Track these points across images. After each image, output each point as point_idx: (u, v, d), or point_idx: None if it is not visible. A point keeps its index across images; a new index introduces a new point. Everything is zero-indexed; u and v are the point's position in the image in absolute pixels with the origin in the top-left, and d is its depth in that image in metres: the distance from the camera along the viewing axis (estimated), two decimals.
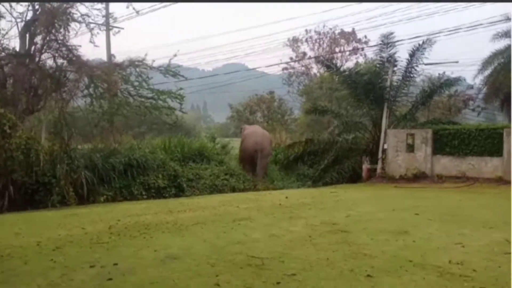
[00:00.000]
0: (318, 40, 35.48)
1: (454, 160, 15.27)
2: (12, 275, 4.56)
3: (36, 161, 11.11)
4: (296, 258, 5.02)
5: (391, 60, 17.56)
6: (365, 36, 34.54)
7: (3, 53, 14.34)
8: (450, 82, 19.18)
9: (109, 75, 13.61)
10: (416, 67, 17.95)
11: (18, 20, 14.38)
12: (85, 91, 14.18)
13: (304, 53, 36.41)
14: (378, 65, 18.73)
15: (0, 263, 5.00)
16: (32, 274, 4.55)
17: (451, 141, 15.35)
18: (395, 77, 17.81)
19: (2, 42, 15.24)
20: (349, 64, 31.64)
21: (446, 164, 15.47)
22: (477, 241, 5.92)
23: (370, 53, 34.78)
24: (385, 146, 16.71)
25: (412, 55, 17.47)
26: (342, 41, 35.26)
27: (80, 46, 14.18)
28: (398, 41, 17.55)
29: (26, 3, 14.14)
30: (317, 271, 4.57)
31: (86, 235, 6.38)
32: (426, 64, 18.06)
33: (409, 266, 4.74)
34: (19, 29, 14.26)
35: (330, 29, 34.79)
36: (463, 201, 10.51)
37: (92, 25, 14.99)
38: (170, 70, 15.01)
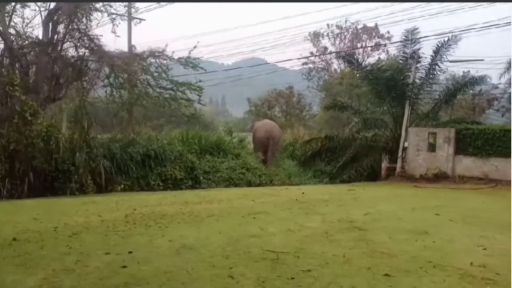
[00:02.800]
0: (339, 35, 35.03)
1: (477, 161, 14.86)
2: (28, 259, 4.59)
3: (56, 149, 11.25)
4: (312, 254, 4.93)
5: (415, 57, 17.13)
6: (388, 32, 34.00)
7: (26, 42, 14.59)
8: (475, 81, 18.64)
9: (130, 65, 13.68)
10: (440, 64, 17.49)
11: (42, 9, 14.62)
12: (105, 81, 14.29)
13: (325, 48, 36.01)
14: (401, 61, 18.33)
15: (17, 247, 5.05)
16: (48, 259, 4.57)
17: (475, 141, 14.92)
18: (418, 74, 17.39)
19: (25, 30, 15.57)
20: (371, 60, 31.08)
21: (468, 165, 15.06)
22: (500, 244, 5.71)
23: (393, 49, 34.30)
24: (406, 145, 16.37)
25: (437, 51, 17.01)
26: (364, 36, 34.71)
27: (101, 35, 14.31)
28: (424, 37, 17.11)
29: None
30: (333, 267, 4.47)
31: (102, 222, 6.41)
32: (450, 62, 17.54)
33: (429, 267, 4.58)
34: (42, 18, 14.47)
35: (352, 23, 34.32)
36: (485, 203, 10.20)
37: (113, 15, 15.10)
38: (190, 62, 15.00)
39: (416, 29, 17.06)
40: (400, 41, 17.69)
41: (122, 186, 12.30)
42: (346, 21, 34.61)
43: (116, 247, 5.04)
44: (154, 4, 19.39)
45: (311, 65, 36.50)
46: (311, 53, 35.83)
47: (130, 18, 21.07)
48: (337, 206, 8.83)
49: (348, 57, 20.36)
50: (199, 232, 5.90)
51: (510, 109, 27.50)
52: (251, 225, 6.47)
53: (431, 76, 17.63)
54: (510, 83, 25.57)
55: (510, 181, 13.73)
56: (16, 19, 15.29)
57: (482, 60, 19.09)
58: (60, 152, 11.21)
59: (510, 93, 26.00)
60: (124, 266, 4.29)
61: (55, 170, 11.21)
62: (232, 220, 6.86)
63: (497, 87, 28.31)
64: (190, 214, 7.18)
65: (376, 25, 33.21)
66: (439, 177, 15.22)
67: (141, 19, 21.05)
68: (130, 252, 4.79)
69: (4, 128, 10.69)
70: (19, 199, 9.93)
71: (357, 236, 5.92)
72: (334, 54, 34.06)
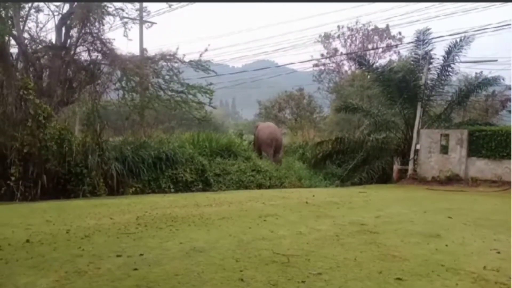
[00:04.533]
0: (350, 37, 34.87)
1: (490, 163, 14.68)
2: (41, 261, 4.64)
3: (69, 152, 11.41)
4: (323, 257, 4.90)
5: (427, 58, 17.00)
6: (400, 33, 33.76)
7: (40, 46, 14.81)
8: (488, 82, 18.41)
9: (141, 69, 13.80)
10: (452, 65, 17.31)
11: (55, 13, 14.83)
12: (117, 84, 14.43)
13: (336, 50, 35.87)
14: (412, 63, 18.18)
15: (30, 249, 5.11)
16: (61, 261, 4.62)
17: (488, 143, 14.74)
18: (430, 76, 17.23)
19: (39, 35, 15.81)
20: (382, 61, 30.90)
21: (481, 167, 14.88)
22: None
23: (405, 50, 33.97)
24: (418, 147, 16.24)
25: (449, 52, 16.87)
26: (376, 37, 34.49)
27: (114, 39, 14.47)
28: (438, 37, 16.97)
29: None
30: (344, 271, 4.44)
31: (114, 225, 6.46)
32: (463, 62, 17.38)
33: (442, 271, 4.53)
34: (56, 22, 14.69)
35: (363, 25, 34.13)
36: (499, 205, 10.05)
37: (125, 19, 15.25)
38: (201, 65, 15.07)
39: (428, 29, 16.93)
40: (413, 41, 17.52)
41: (134, 188, 12.43)
42: (357, 23, 34.49)
43: (128, 249, 5.07)
44: (165, 8, 19.54)
45: (321, 67, 36.38)
46: (322, 55, 35.72)
47: (142, 22, 21.32)
48: (348, 209, 8.78)
49: (359, 59, 20.27)
50: (210, 235, 5.91)
51: None
52: (261, 228, 6.47)
53: (443, 77, 17.47)
54: None
55: None
56: (30, 24, 15.55)
57: (496, 60, 18.81)
58: (73, 155, 11.36)
59: None
60: (136, 269, 4.32)
61: (68, 173, 11.37)
62: (242, 222, 6.86)
63: (510, 88, 27.87)
64: (200, 217, 7.21)
65: (387, 26, 33.01)
66: (451, 180, 15.06)
67: (152, 23, 21.34)
68: (141, 255, 4.81)
69: (18, 131, 10.86)
70: (33, 202, 10.08)
71: (368, 239, 5.88)
72: (345, 55, 33.90)
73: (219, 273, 4.28)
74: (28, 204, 9.01)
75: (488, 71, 39.42)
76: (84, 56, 14.79)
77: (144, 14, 20.62)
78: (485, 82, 18.39)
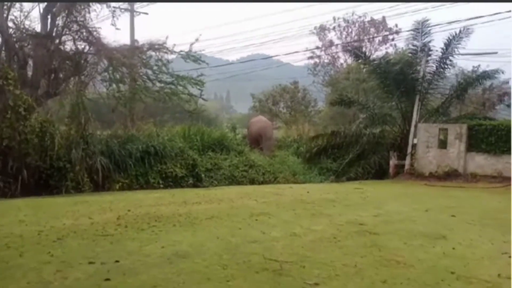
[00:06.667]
0: (346, 28, 34.24)
1: (490, 158, 14.25)
2: (3, 269, 4.13)
3: (51, 145, 10.82)
4: (320, 263, 4.42)
5: (425, 49, 16.49)
6: (396, 25, 33.13)
7: (24, 34, 14.12)
8: (487, 75, 17.90)
9: (129, 59, 13.17)
10: (451, 58, 16.83)
11: (40, 0, 14.14)
12: (104, 74, 13.79)
13: (331, 42, 35.27)
14: (410, 54, 17.68)
15: None
16: (25, 269, 4.11)
17: (488, 137, 14.30)
18: (428, 68, 16.74)
19: (24, 23, 15.11)
20: (378, 54, 30.31)
21: (481, 162, 14.46)
22: None
23: (401, 43, 33.46)
24: (415, 141, 15.77)
25: (448, 44, 16.35)
26: (372, 30, 33.90)
27: (100, 28, 13.84)
28: (436, 25, 16.33)
29: None
30: (343, 280, 3.96)
31: (92, 225, 5.93)
32: (463, 55, 16.90)
33: (452, 279, 4.07)
34: (41, 10, 14.01)
35: (360, 17, 33.51)
36: (502, 202, 9.61)
37: (113, 8, 14.62)
38: (191, 55, 14.47)
39: (427, 20, 16.39)
40: (411, 30, 16.96)
41: (120, 184, 11.86)
42: (352, 14, 33.87)
43: (103, 254, 4.56)
44: None
45: (316, 60, 35.77)
46: (317, 47, 35.09)
47: (133, 12, 20.65)
48: (345, 206, 8.31)
49: (355, 50, 19.72)
50: (195, 237, 5.41)
51: None
52: (252, 229, 5.97)
53: (442, 69, 16.99)
54: None
55: None
56: (16, 13, 14.90)
57: (496, 53, 18.33)
58: (55, 148, 10.76)
59: None
60: (108, 279, 3.81)
61: (50, 167, 10.81)
62: (232, 222, 6.36)
63: (507, 82, 27.47)
64: (187, 216, 6.69)
65: (383, 18, 32.44)
66: (450, 175, 14.64)
67: (142, 13, 20.67)
68: (117, 261, 4.31)
69: None
70: (12, 198, 9.51)
71: (368, 242, 5.41)
72: (340, 48, 33.32)
73: (203, 284, 3.80)
74: (4, 201, 8.45)
75: (486, 64, 39.00)
76: (69, 45, 14.16)
77: (136, 5, 20.03)
78: (484, 75, 17.91)
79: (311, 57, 35.56)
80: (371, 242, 5.40)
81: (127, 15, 20.39)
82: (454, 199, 9.98)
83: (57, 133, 11.15)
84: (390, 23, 33.71)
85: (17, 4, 14.93)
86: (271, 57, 36.18)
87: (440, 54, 16.57)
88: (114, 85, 13.82)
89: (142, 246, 4.93)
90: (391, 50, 32.79)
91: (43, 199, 9.07)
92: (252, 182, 14.63)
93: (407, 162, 16.03)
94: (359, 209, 7.93)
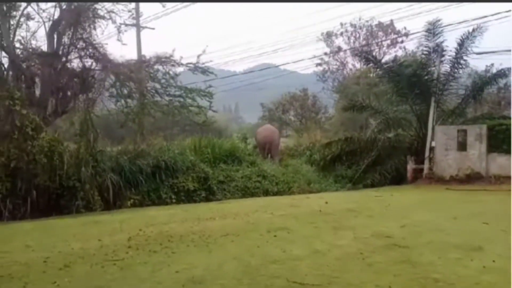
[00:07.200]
0: (353, 33, 33.88)
1: None
2: None
3: (60, 164, 10.56)
4: (349, 285, 4.01)
5: (438, 50, 16.02)
6: (405, 28, 32.71)
7: (31, 54, 14.02)
8: (503, 73, 17.36)
9: (136, 73, 12.96)
10: (465, 57, 16.33)
11: (46, 20, 14.10)
12: (112, 90, 13.60)
13: (339, 48, 34.91)
14: (423, 56, 17.21)
15: None
16: None
17: (509, 137, 13.74)
18: (443, 69, 16.26)
19: (31, 42, 15.06)
20: (387, 58, 29.86)
21: (503, 163, 13.87)
22: None
23: (411, 45, 33.00)
24: (433, 144, 15.24)
25: (461, 44, 15.89)
26: (380, 33, 33.48)
27: (106, 43, 13.70)
28: (448, 25, 15.88)
29: (54, 3, 13.79)
30: None
31: (101, 249, 5.59)
32: (477, 54, 16.40)
33: None
34: (47, 29, 13.94)
35: (367, 21, 33.16)
36: None
37: (119, 23, 14.47)
38: (199, 67, 14.21)
39: (439, 20, 15.96)
40: (422, 32, 16.52)
41: (132, 201, 11.56)
42: (360, 19, 33.53)
43: (112, 283, 4.21)
44: (160, 12, 18.77)
45: (325, 66, 35.43)
46: (325, 53, 34.74)
47: (139, 28, 20.57)
48: (367, 217, 7.85)
49: (366, 54, 19.31)
50: (211, 258, 5.03)
51: None
52: (271, 246, 5.57)
53: (456, 70, 16.50)
54: None
55: None
56: (23, 33, 14.89)
57: (510, 50, 17.79)
58: (64, 167, 10.51)
59: None
60: None
61: (60, 187, 10.51)
62: (249, 240, 5.96)
63: None
64: (201, 234, 6.31)
65: (391, 22, 32.05)
66: (471, 178, 14.07)
67: (149, 28, 20.60)
68: None
69: (4, 145, 10.05)
70: (22, 220, 9.25)
71: (399, 257, 4.97)
72: (349, 53, 32.95)
73: None
74: (11, 225, 8.15)
75: (499, 62, 38.27)
76: (76, 62, 14.02)
77: (141, 19, 19.94)
78: (500, 74, 17.36)
79: (319, 64, 35.25)
80: (402, 257, 4.97)
81: (133, 30, 20.36)
82: (481, 204, 9.46)
83: (66, 152, 10.91)
84: (398, 26, 33.35)
85: (24, 24, 14.93)
86: (278, 66, 35.87)
87: (454, 54, 16.10)
88: (122, 101, 13.61)
89: (155, 271, 4.56)
90: (400, 53, 32.34)
91: (52, 220, 8.78)
92: (266, 193, 14.23)
93: (426, 166, 15.50)
94: (383, 220, 7.48)
